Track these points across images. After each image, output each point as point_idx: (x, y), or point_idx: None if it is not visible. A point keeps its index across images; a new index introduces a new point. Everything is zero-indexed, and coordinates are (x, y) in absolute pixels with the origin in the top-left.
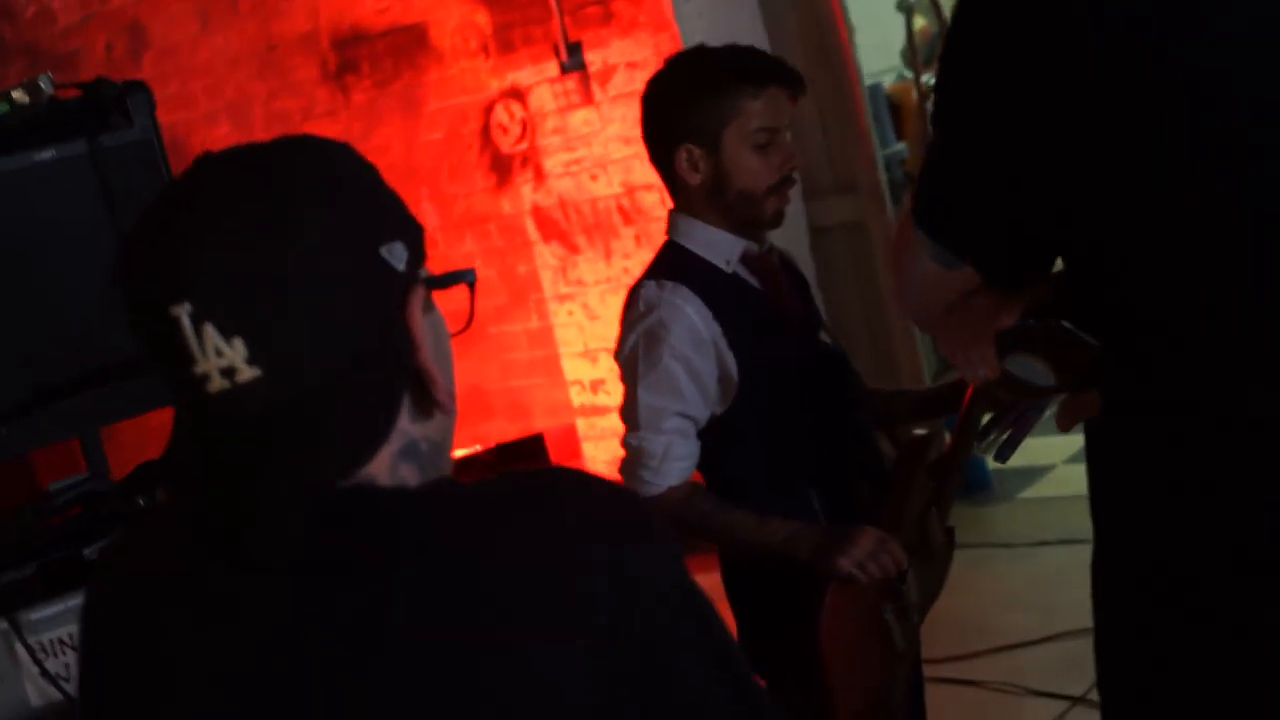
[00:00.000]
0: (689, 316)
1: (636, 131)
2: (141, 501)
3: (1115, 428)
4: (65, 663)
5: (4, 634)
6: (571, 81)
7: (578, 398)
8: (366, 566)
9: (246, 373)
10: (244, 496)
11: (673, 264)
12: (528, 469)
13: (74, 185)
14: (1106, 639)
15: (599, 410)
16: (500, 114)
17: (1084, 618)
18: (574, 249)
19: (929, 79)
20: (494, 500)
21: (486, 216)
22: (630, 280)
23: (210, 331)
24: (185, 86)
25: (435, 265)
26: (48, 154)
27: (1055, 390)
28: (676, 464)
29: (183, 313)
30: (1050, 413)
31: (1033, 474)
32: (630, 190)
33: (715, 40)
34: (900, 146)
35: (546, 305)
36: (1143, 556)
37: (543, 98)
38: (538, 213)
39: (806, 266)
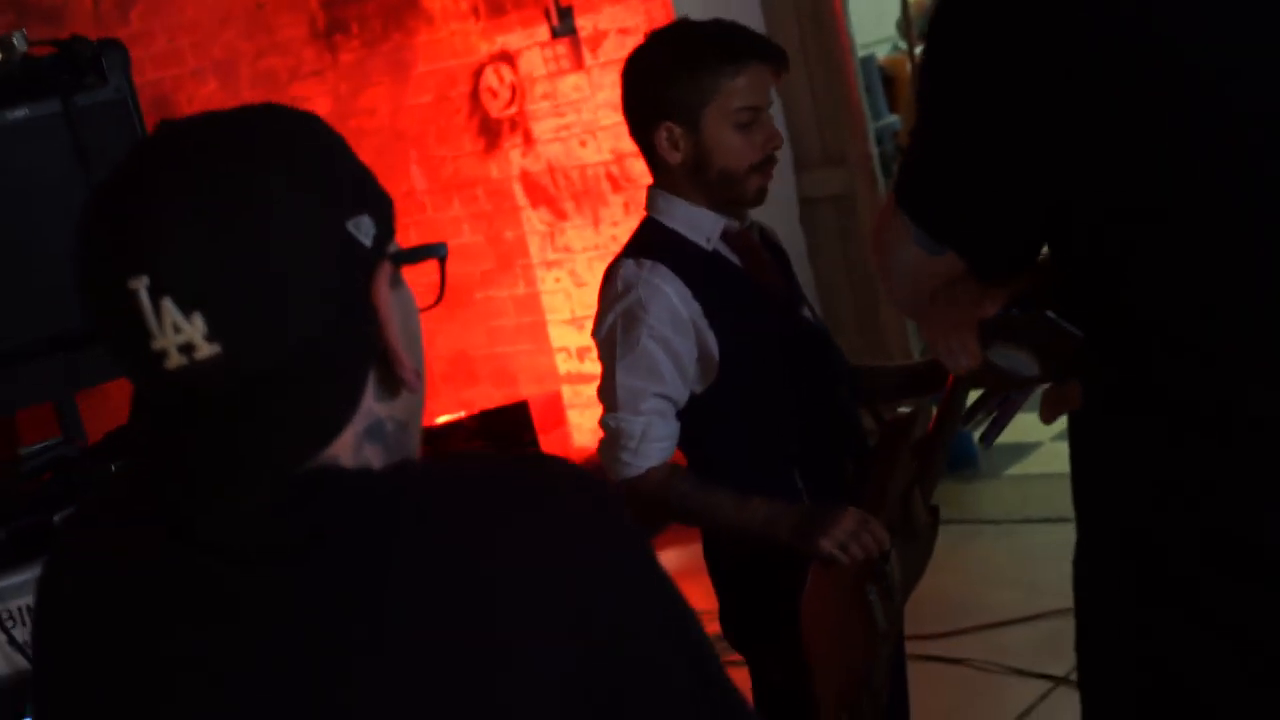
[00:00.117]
0: (668, 296)
1: None
2: (113, 468)
3: (1108, 425)
4: None
5: None
6: (562, 46)
7: (564, 365)
8: (324, 551)
9: (205, 349)
10: (201, 477)
11: (652, 242)
12: (494, 453)
13: (47, 145)
14: (1091, 638)
15: (585, 378)
16: (490, 78)
17: (1068, 597)
18: (562, 215)
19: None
20: (464, 488)
21: (474, 181)
22: (618, 248)
23: (169, 306)
24: (173, 42)
25: (422, 229)
26: (20, 112)
27: (1038, 380)
28: (655, 445)
29: (140, 286)
30: (1040, 390)
31: (1019, 450)
32: (620, 157)
33: (708, 8)
34: (893, 119)
35: (534, 271)
36: (1134, 556)
37: (533, 62)
38: (526, 178)
39: (795, 238)
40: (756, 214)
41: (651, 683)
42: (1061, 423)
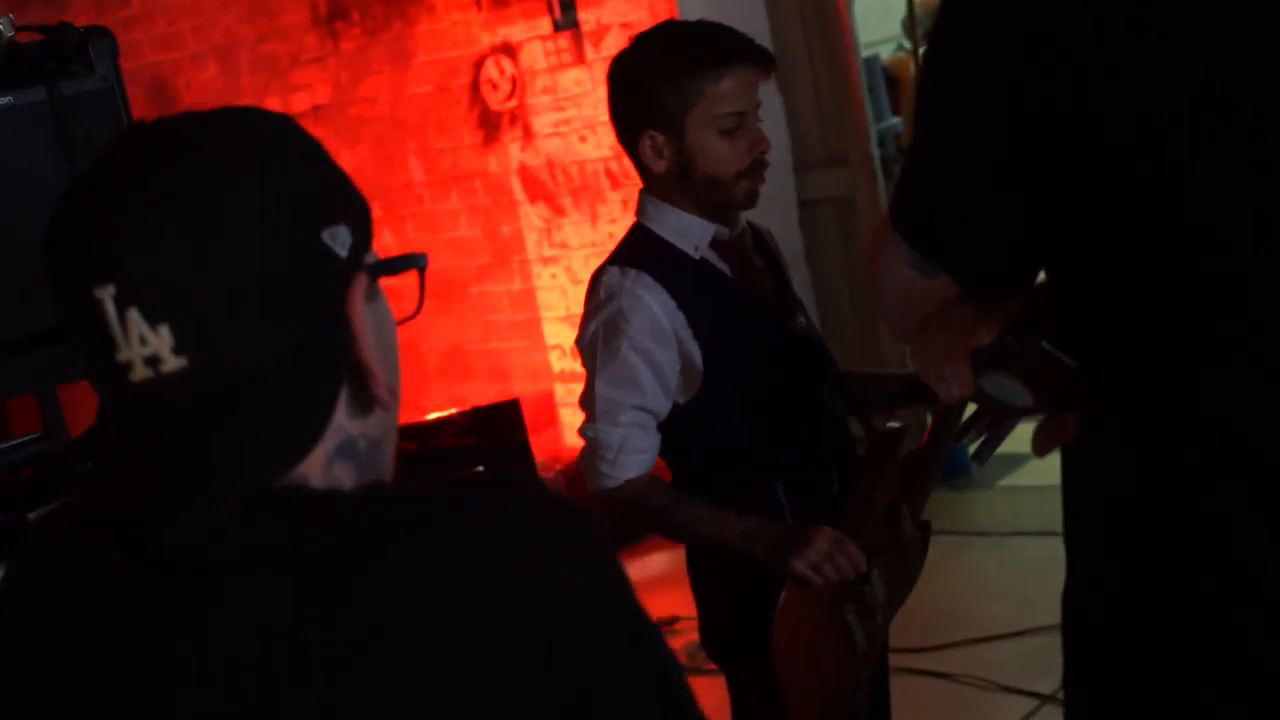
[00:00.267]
0: (650, 307)
1: None
2: (91, 465)
3: (1104, 457)
4: None
5: None
6: (564, 40)
7: (557, 363)
8: (286, 572)
9: (172, 362)
10: (165, 491)
11: (638, 249)
12: (466, 479)
13: (31, 133)
14: (1082, 678)
15: (578, 376)
16: (490, 69)
17: (1056, 613)
18: (560, 211)
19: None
20: (434, 514)
21: (473, 173)
22: (615, 246)
23: (135, 316)
24: (173, 25)
25: (419, 220)
26: (4, 100)
27: (1032, 411)
28: (634, 456)
29: (106, 295)
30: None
31: (1013, 461)
32: (619, 154)
33: (711, 4)
34: (895, 121)
35: (530, 267)
36: (1134, 594)
37: (534, 55)
38: (524, 172)
39: (793, 240)
40: (754, 215)
41: (610, 706)
42: None
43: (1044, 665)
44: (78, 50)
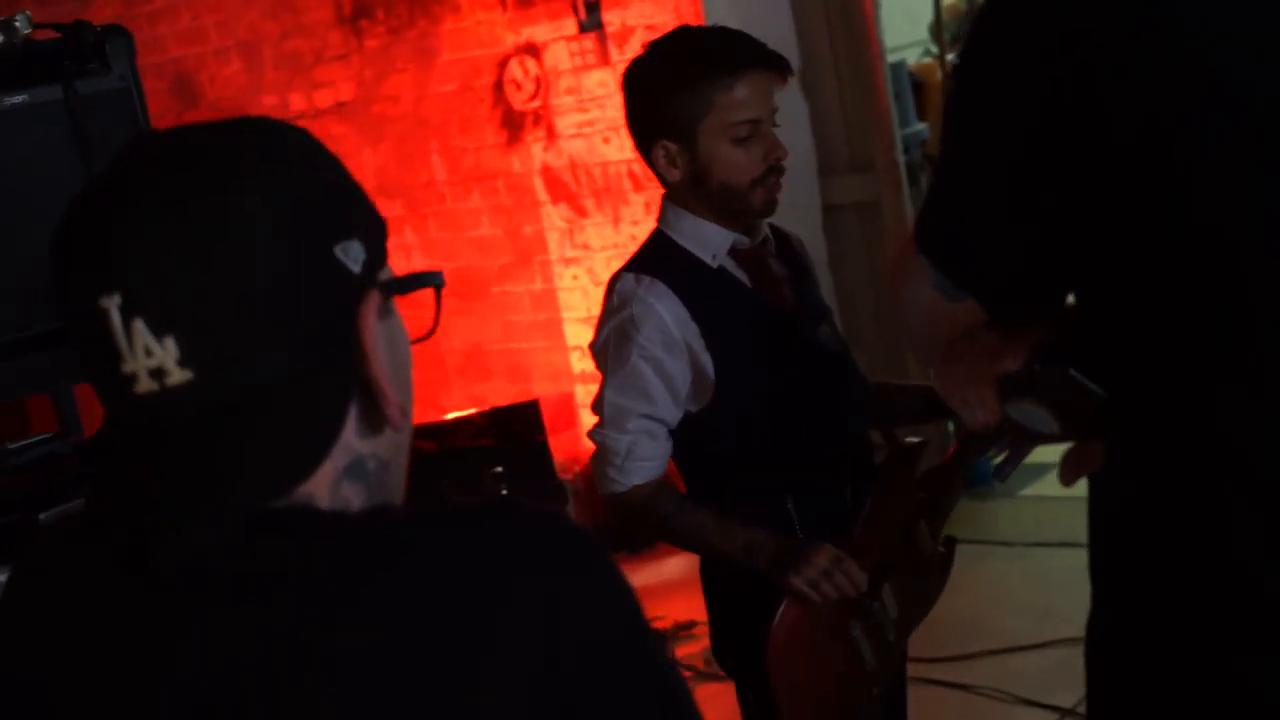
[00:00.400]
0: (661, 316)
1: None
2: (97, 469)
3: (1133, 490)
4: None
5: None
6: (589, 41)
7: (578, 364)
8: (283, 595)
9: (177, 375)
10: (164, 506)
11: (655, 256)
12: (476, 503)
13: (46, 132)
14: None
15: (599, 378)
16: (514, 69)
17: (1078, 626)
18: (582, 212)
19: (955, 57)
20: (441, 541)
21: (495, 173)
22: (637, 248)
23: (140, 328)
24: (198, 20)
25: (441, 219)
26: (20, 98)
27: (1058, 439)
28: (641, 464)
29: (112, 305)
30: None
31: (1037, 471)
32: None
33: (737, 9)
34: (921, 126)
35: (552, 268)
36: (1163, 633)
37: (558, 56)
38: (547, 173)
39: (817, 245)
40: (777, 219)
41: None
42: None
43: (1065, 678)
44: (95, 49)
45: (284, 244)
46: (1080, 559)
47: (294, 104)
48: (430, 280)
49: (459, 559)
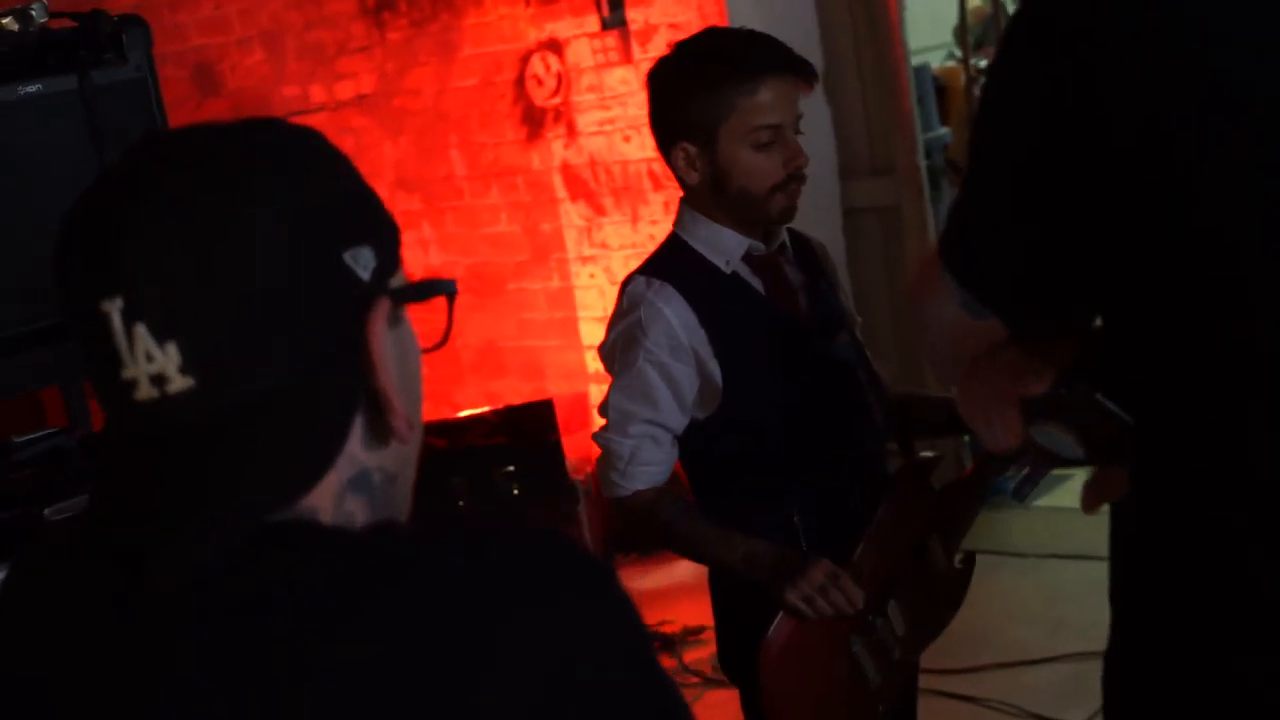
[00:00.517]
0: (669, 321)
1: None
2: (98, 469)
3: (1157, 515)
4: None
5: None
6: (611, 38)
7: (593, 363)
8: (280, 611)
9: (178, 382)
10: (163, 515)
11: (668, 260)
12: (483, 525)
13: (61, 122)
14: None
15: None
16: (536, 65)
17: (1091, 639)
18: (601, 211)
19: (979, 62)
20: (445, 562)
21: (515, 169)
22: (654, 247)
23: (142, 333)
24: (220, 9)
25: (459, 215)
26: (35, 87)
27: (1081, 463)
28: (644, 469)
29: (114, 309)
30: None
31: (1051, 481)
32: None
33: (760, 9)
34: (943, 131)
35: (569, 266)
36: (1185, 663)
37: (580, 52)
38: (567, 170)
39: (836, 248)
40: (797, 223)
41: None
42: None
43: (1077, 693)
44: (111, 39)
45: (290, 250)
46: (1093, 572)
47: (315, 95)
48: (443, 288)
49: (462, 577)
